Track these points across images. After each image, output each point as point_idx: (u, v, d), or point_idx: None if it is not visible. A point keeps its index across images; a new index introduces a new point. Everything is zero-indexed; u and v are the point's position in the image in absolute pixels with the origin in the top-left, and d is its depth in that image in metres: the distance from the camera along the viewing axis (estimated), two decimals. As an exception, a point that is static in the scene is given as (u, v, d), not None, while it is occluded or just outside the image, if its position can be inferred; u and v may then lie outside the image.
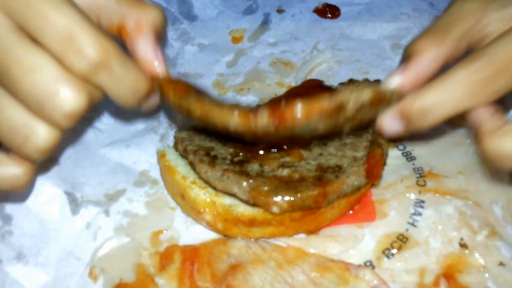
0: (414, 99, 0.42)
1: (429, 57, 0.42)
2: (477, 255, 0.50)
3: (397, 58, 0.69)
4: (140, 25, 0.44)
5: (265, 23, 0.76)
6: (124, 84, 0.41)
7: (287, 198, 0.48)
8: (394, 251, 0.51)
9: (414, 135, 0.58)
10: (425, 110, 0.41)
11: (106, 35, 0.39)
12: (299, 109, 0.41)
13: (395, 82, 0.43)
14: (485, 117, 0.42)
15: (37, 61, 0.37)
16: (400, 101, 0.43)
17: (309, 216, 0.50)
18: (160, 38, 0.46)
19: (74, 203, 0.56)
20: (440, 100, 0.41)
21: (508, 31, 0.41)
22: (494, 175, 0.55)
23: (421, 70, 0.42)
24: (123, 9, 0.44)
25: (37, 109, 0.38)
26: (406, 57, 0.44)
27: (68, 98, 0.38)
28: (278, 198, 0.48)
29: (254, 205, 0.49)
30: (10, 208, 0.54)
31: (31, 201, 0.55)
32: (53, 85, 0.38)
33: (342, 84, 0.61)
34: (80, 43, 0.37)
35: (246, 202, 0.50)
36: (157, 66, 0.45)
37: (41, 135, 0.40)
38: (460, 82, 0.40)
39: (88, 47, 0.38)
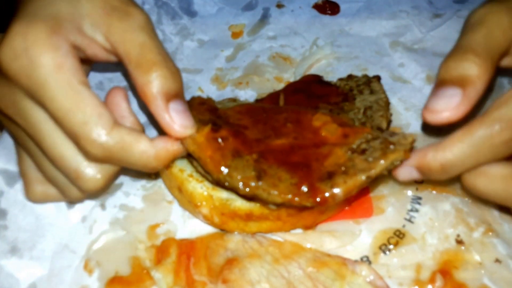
0: (435, 155, 0.42)
1: (485, 83, 0.41)
2: (473, 251, 0.50)
3: (396, 56, 0.69)
4: (146, 94, 0.44)
5: (265, 17, 0.76)
6: (134, 164, 0.45)
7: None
8: (391, 246, 0.51)
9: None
10: (446, 167, 0.41)
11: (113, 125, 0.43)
12: (339, 194, 0.45)
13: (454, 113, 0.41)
14: None
15: (62, 150, 0.44)
16: (419, 154, 0.44)
17: (307, 211, 0.50)
18: (177, 97, 0.45)
19: (70, 196, 0.55)
20: (462, 158, 0.41)
21: None
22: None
23: (478, 96, 0.41)
24: (131, 73, 0.44)
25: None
26: (457, 82, 0.42)
27: (88, 179, 0.45)
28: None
29: (251, 199, 0.49)
30: (4, 202, 0.54)
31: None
32: (74, 172, 0.45)
33: (341, 79, 0.61)
34: (84, 144, 0.42)
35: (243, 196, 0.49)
36: (177, 129, 0.45)
37: (74, 193, 0.48)
38: (482, 141, 0.40)
39: (92, 148, 0.42)
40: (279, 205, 0.47)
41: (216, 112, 0.52)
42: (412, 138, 0.46)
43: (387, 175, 0.47)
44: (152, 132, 0.62)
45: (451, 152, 0.41)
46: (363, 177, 0.45)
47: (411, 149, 0.45)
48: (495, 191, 0.42)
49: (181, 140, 0.46)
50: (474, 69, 0.41)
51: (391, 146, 0.45)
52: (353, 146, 0.47)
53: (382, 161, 0.45)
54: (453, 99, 0.41)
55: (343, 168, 0.46)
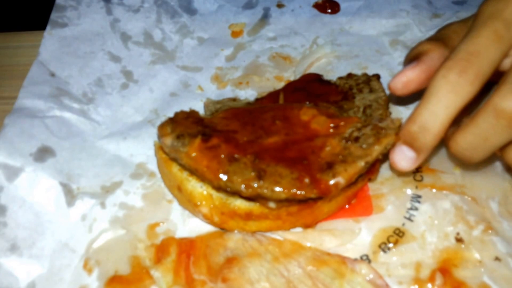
0: (411, 119, 0.46)
1: (437, 55, 0.49)
2: (473, 250, 0.50)
3: (396, 54, 0.69)
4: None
5: (265, 17, 0.76)
6: None
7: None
8: (391, 245, 0.51)
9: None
10: (422, 123, 0.45)
11: None
12: (342, 182, 0.47)
13: (407, 76, 0.49)
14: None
15: None
16: (402, 129, 0.48)
17: (306, 210, 0.50)
18: None
19: (70, 195, 0.55)
20: (434, 112, 0.44)
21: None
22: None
23: (431, 64, 0.48)
24: None
25: None
26: (415, 57, 0.50)
27: None
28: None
29: (253, 199, 0.49)
30: (4, 199, 0.54)
31: (25, 192, 0.54)
32: None
33: (341, 78, 0.61)
34: None
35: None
36: None
37: None
38: (441, 90, 0.44)
39: None
40: (283, 202, 0.47)
41: (202, 122, 0.52)
42: (399, 121, 0.49)
43: (383, 160, 0.50)
44: (151, 130, 0.62)
45: (422, 111, 0.45)
46: (362, 163, 0.47)
47: (398, 132, 0.49)
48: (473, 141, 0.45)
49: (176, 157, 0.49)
50: (425, 45, 0.50)
51: (382, 131, 0.48)
52: (345, 135, 0.49)
53: (376, 146, 0.48)
54: (410, 65, 0.49)
55: (340, 157, 0.47)
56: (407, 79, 0.49)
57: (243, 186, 0.46)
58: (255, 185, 0.46)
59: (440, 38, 0.51)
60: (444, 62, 0.45)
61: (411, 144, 0.47)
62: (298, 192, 0.46)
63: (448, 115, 0.44)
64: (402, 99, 0.61)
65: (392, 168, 0.50)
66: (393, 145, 0.48)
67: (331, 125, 0.50)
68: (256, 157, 0.48)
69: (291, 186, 0.46)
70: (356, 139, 0.48)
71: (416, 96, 0.52)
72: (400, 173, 0.55)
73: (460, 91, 0.44)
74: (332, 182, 0.46)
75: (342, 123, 0.50)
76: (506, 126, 0.43)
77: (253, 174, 0.46)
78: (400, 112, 0.62)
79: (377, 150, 0.48)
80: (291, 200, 0.47)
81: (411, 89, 0.50)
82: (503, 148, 0.47)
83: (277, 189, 0.46)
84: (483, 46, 0.44)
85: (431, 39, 0.51)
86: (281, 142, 0.49)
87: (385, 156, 0.50)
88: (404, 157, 0.48)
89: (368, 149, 0.48)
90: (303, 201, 0.48)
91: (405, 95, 0.51)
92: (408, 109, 0.63)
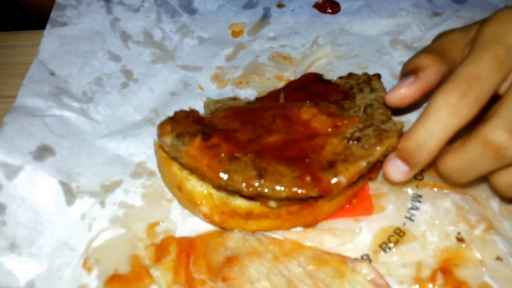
0: (407, 136, 0.47)
1: (434, 71, 0.49)
2: (474, 249, 0.50)
3: (396, 54, 0.69)
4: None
5: (265, 17, 0.76)
6: None
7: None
8: (391, 245, 0.51)
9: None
10: (419, 142, 0.46)
11: None
12: (343, 181, 0.46)
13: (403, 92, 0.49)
14: None
15: None
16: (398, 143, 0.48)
17: (307, 209, 0.50)
18: None
19: (69, 194, 0.55)
20: (430, 131, 0.45)
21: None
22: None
23: (428, 81, 0.49)
24: None
25: None
26: (412, 71, 0.50)
27: None
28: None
29: (254, 198, 0.49)
30: (3, 197, 0.54)
31: (25, 191, 0.54)
32: None
33: (341, 77, 0.61)
34: None
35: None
36: None
37: None
38: (440, 111, 0.45)
39: None
40: (283, 201, 0.47)
41: (202, 121, 0.52)
42: (401, 124, 0.50)
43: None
44: (151, 129, 0.62)
45: (419, 128, 0.46)
46: (363, 163, 0.47)
47: (400, 134, 0.49)
48: (460, 163, 0.46)
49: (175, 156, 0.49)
50: (423, 60, 0.49)
51: (385, 133, 0.48)
52: (347, 135, 0.49)
53: (378, 147, 0.48)
54: (407, 80, 0.49)
55: (342, 156, 0.47)
56: (402, 95, 0.49)
57: (243, 185, 0.46)
58: (256, 184, 0.46)
59: (438, 50, 0.51)
60: (445, 84, 0.45)
61: (405, 159, 0.48)
62: (299, 190, 0.46)
63: (445, 136, 0.45)
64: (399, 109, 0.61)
65: (385, 177, 0.51)
66: (394, 148, 0.48)
67: (332, 124, 0.50)
68: (256, 156, 0.48)
69: (292, 185, 0.46)
70: (358, 139, 0.48)
71: (411, 107, 0.53)
72: (392, 183, 0.55)
73: (458, 114, 0.44)
74: (333, 181, 0.46)
75: (343, 122, 0.50)
76: (492, 156, 0.44)
77: (253, 173, 0.46)
78: (400, 111, 0.62)
79: (379, 151, 0.48)
80: (291, 199, 0.47)
81: (406, 103, 0.50)
82: (489, 174, 0.47)
83: (278, 187, 0.46)
84: (484, 70, 0.44)
85: (429, 52, 0.50)
86: (282, 141, 0.49)
87: (386, 157, 0.49)
88: (397, 169, 0.49)
89: (370, 150, 0.48)
90: (304, 200, 0.48)
91: (400, 108, 0.51)
92: (408, 109, 0.63)
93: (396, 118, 0.61)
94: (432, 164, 0.49)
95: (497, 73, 0.44)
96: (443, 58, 0.50)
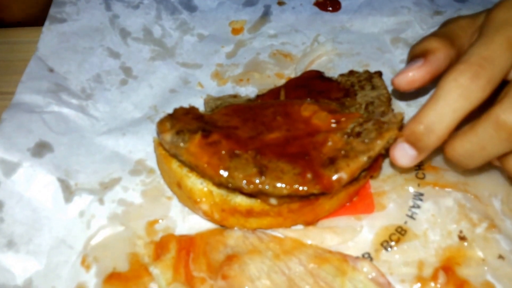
0: (416, 119, 0.46)
1: (444, 55, 0.48)
2: (476, 248, 0.49)
3: (397, 52, 0.69)
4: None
5: (266, 15, 0.75)
6: None
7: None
8: (393, 243, 0.51)
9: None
10: (429, 125, 0.45)
11: None
12: (344, 177, 0.46)
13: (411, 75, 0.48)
14: None
15: None
16: (405, 127, 0.47)
17: (307, 207, 0.50)
18: None
19: (68, 191, 0.55)
20: (440, 114, 0.44)
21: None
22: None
23: (438, 65, 0.48)
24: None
25: None
26: (420, 54, 0.49)
27: None
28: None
29: (254, 196, 0.49)
30: (1, 194, 0.53)
31: (23, 187, 0.54)
32: None
33: (342, 75, 0.61)
34: None
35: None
36: None
37: None
38: (451, 93, 0.44)
39: None
40: (284, 198, 0.47)
41: (202, 119, 0.52)
42: (401, 116, 0.49)
43: (385, 156, 0.49)
44: (151, 126, 0.61)
45: (429, 110, 0.45)
46: (364, 158, 0.46)
47: (401, 126, 0.48)
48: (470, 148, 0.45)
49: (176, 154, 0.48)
50: (433, 43, 0.49)
51: (385, 126, 0.48)
52: (347, 130, 0.49)
53: (379, 141, 0.47)
54: (416, 63, 0.48)
55: (343, 152, 0.47)
56: (411, 78, 0.48)
57: (244, 182, 0.46)
58: (257, 181, 0.45)
59: (447, 35, 0.50)
60: (456, 65, 0.44)
61: (413, 143, 0.47)
62: (301, 187, 0.45)
63: (455, 119, 0.44)
64: (404, 94, 0.61)
65: (392, 163, 0.50)
66: (395, 140, 0.48)
67: (333, 120, 0.50)
68: (257, 153, 0.47)
69: (293, 182, 0.45)
70: (358, 134, 0.48)
71: (418, 92, 0.52)
72: (400, 169, 0.55)
73: (470, 96, 0.43)
74: (335, 177, 0.46)
75: (343, 119, 0.50)
76: (505, 138, 0.43)
77: (254, 170, 0.46)
78: (402, 109, 0.62)
79: (379, 144, 0.47)
80: (293, 196, 0.47)
81: (414, 87, 0.49)
82: (501, 158, 0.47)
83: (279, 185, 0.45)
84: (496, 52, 0.43)
85: (438, 36, 0.50)
86: (282, 138, 0.49)
87: (387, 153, 0.49)
88: (404, 154, 0.48)
89: (371, 144, 0.47)
90: (305, 197, 0.48)
91: (408, 92, 0.50)
92: (410, 107, 0.62)
93: (398, 110, 0.61)
94: (439, 152, 0.48)
95: (509, 54, 0.43)
96: (452, 42, 0.49)
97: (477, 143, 0.44)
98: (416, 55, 0.50)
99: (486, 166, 0.54)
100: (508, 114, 0.42)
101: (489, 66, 0.43)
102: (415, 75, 0.48)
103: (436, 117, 0.44)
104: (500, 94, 0.44)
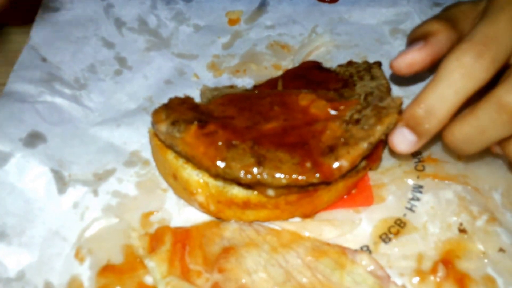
0: (416, 102, 0.44)
1: (445, 37, 0.47)
2: (476, 240, 0.49)
3: (396, 43, 0.69)
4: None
5: (263, 5, 0.75)
6: None
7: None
8: (392, 236, 0.50)
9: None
10: (429, 108, 0.43)
11: None
12: (345, 164, 0.45)
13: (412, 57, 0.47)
14: None
15: None
16: (405, 111, 0.46)
17: (305, 199, 0.49)
18: None
19: (61, 182, 0.54)
20: (441, 97, 0.43)
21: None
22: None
23: (439, 47, 0.47)
24: None
25: None
26: (421, 36, 0.48)
27: None
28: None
29: (252, 187, 0.48)
30: (-7, 186, 0.52)
31: (15, 178, 0.53)
32: None
33: (341, 65, 0.60)
34: None
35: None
36: None
37: None
38: (453, 73, 0.42)
39: None
40: (282, 189, 0.46)
41: (198, 109, 0.51)
42: (400, 100, 0.48)
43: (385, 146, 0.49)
44: (146, 118, 0.60)
45: (430, 92, 0.44)
46: (364, 145, 0.46)
47: (400, 111, 0.47)
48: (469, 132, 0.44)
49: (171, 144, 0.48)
50: (434, 25, 0.48)
51: (384, 111, 0.47)
52: (346, 118, 0.48)
53: (379, 127, 0.46)
54: (417, 45, 0.47)
55: (342, 140, 0.46)
56: (411, 60, 0.47)
57: (242, 172, 0.45)
58: (255, 171, 0.45)
59: (448, 18, 0.49)
60: (459, 44, 0.43)
61: (413, 128, 0.45)
62: (300, 177, 0.44)
63: (457, 101, 0.43)
64: (403, 80, 0.60)
65: (391, 150, 0.49)
66: (395, 125, 0.47)
67: (331, 109, 0.49)
68: (254, 143, 0.46)
69: (292, 171, 0.45)
70: (357, 121, 0.47)
71: (415, 80, 0.51)
72: (399, 157, 0.54)
73: (473, 76, 0.42)
74: (335, 165, 0.45)
75: (342, 107, 0.49)
76: (506, 121, 0.42)
77: (252, 160, 0.45)
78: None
79: (379, 130, 0.46)
80: (291, 187, 0.46)
81: (414, 70, 0.48)
82: (502, 143, 0.46)
83: (278, 174, 0.44)
84: (500, 31, 0.42)
85: (439, 18, 0.49)
86: (280, 128, 0.48)
87: (387, 143, 0.48)
88: (404, 139, 0.46)
89: (370, 130, 0.46)
90: (304, 188, 0.47)
91: (407, 75, 0.49)
92: (409, 99, 0.61)
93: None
94: (437, 139, 0.47)
95: None
96: (454, 26, 0.48)
97: (477, 126, 0.43)
98: (416, 37, 0.48)
99: (486, 157, 0.54)
100: (511, 96, 0.41)
101: (494, 45, 0.41)
102: (415, 57, 0.47)
103: (437, 99, 0.43)
104: (501, 78, 0.43)
